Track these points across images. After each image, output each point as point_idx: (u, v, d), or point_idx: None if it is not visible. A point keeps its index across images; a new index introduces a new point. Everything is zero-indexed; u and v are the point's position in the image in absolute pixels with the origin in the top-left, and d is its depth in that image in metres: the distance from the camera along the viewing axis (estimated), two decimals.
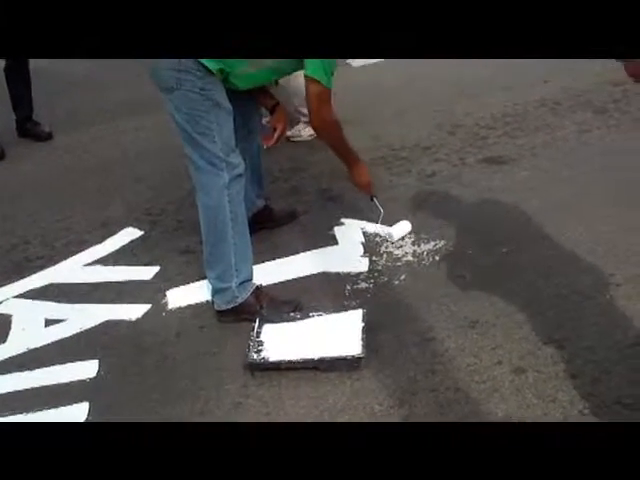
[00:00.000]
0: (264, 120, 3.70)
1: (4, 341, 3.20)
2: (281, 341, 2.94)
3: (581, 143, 4.40)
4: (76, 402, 2.80)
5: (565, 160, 4.21)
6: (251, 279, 3.16)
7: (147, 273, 3.59)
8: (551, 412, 2.50)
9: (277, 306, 3.15)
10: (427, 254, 3.48)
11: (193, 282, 3.46)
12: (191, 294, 3.38)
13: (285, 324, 3.04)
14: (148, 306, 3.33)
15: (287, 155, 4.43)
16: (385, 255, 3.52)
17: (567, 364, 2.71)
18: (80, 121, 5.56)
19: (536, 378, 2.67)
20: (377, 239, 3.65)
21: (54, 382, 2.93)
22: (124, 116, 5.49)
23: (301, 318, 3.06)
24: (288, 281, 3.40)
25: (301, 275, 3.43)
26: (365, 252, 3.56)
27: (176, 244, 3.80)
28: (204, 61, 2.79)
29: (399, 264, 3.44)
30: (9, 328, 3.28)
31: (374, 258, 3.50)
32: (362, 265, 3.46)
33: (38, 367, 3.02)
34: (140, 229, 3.98)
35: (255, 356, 2.87)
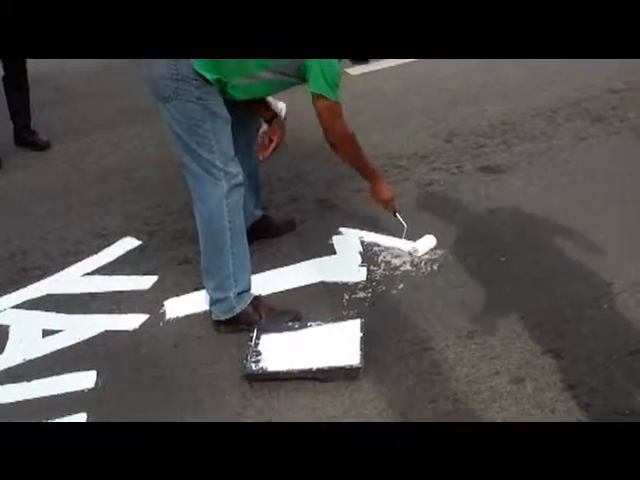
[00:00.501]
0: (260, 131, 3.69)
1: (1, 352, 3.19)
2: (279, 351, 2.93)
3: (579, 151, 4.40)
4: (74, 413, 2.79)
5: (563, 168, 4.21)
6: (249, 289, 3.16)
7: (145, 283, 3.57)
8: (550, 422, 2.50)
9: (275, 316, 3.14)
10: (425, 263, 3.47)
11: (191, 292, 3.45)
12: (189, 304, 3.37)
13: (283, 334, 3.03)
14: (146, 316, 3.33)
15: (285, 164, 4.43)
16: (383, 264, 3.51)
17: (565, 374, 2.71)
18: (78, 130, 5.55)
19: (535, 388, 2.67)
20: (375, 248, 3.64)
21: (52, 393, 2.92)
22: (122, 125, 5.47)
23: (299, 328, 3.06)
24: (286, 291, 3.39)
25: (299, 285, 3.42)
26: (363, 262, 3.55)
27: (174, 254, 3.79)
28: (201, 71, 2.79)
29: (397, 273, 3.43)
30: (6, 339, 3.27)
31: (372, 267, 3.50)
32: (360, 275, 3.45)
33: (36, 378, 3.01)
34: (138, 239, 3.97)
35: (253, 366, 2.86)
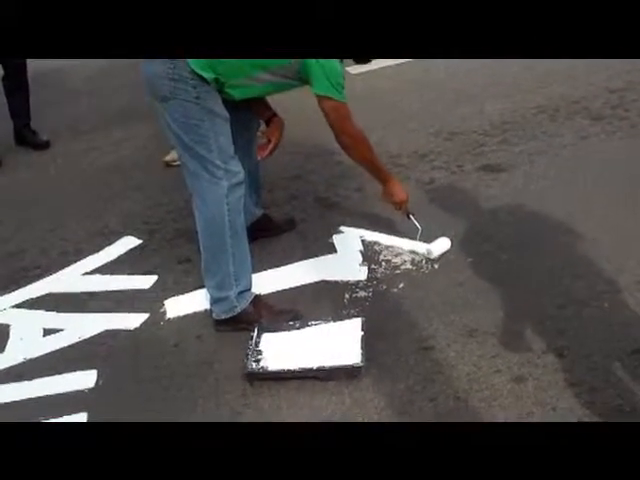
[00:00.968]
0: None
1: (2, 351, 3.20)
2: (280, 350, 2.93)
3: (579, 150, 4.39)
4: (74, 412, 2.79)
5: (564, 167, 4.20)
6: (250, 288, 3.15)
7: (145, 282, 3.58)
8: (551, 420, 2.49)
9: (275, 315, 3.14)
10: (426, 262, 3.47)
11: (191, 291, 3.45)
12: (189, 303, 3.37)
13: (284, 333, 3.03)
14: (146, 315, 3.33)
15: (285, 163, 4.43)
16: (384, 263, 3.51)
17: (567, 372, 2.71)
18: (78, 129, 5.56)
19: (536, 386, 2.66)
20: (376, 247, 3.64)
21: (52, 392, 2.92)
22: (122, 124, 5.48)
23: (300, 327, 3.06)
24: (287, 290, 3.39)
25: (300, 283, 3.42)
26: (364, 260, 3.55)
27: (174, 253, 3.79)
28: (199, 70, 2.78)
29: (398, 272, 3.43)
30: (7, 338, 3.28)
31: (373, 266, 3.49)
32: (361, 273, 3.45)
33: (36, 377, 3.02)
34: (138, 238, 3.97)
35: (254, 365, 2.86)
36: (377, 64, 6.01)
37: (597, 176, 4.03)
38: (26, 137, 5.33)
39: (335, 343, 2.92)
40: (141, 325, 3.28)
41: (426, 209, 3.91)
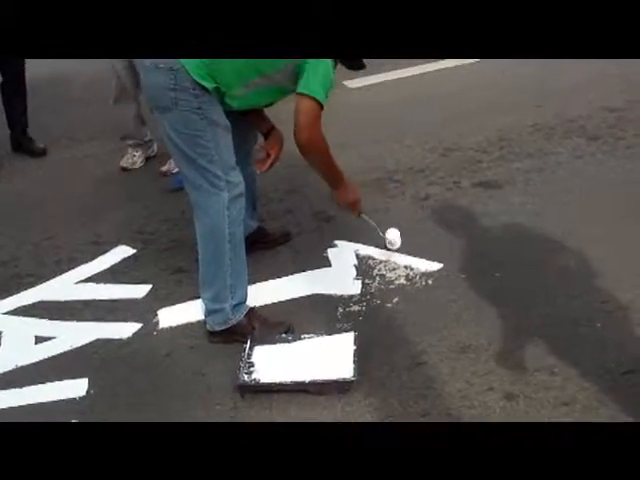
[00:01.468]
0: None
1: None
2: (272, 363, 2.93)
3: (575, 169, 4.40)
4: (64, 421, 2.76)
5: (559, 186, 4.21)
6: (245, 301, 3.15)
7: (139, 292, 3.57)
8: None
9: (269, 327, 3.13)
10: (420, 278, 3.47)
11: (185, 302, 3.44)
12: (182, 314, 3.37)
13: (276, 346, 3.03)
14: (139, 325, 3.32)
15: (282, 176, 4.43)
16: (378, 278, 3.51)
17: (559, 391, 2.70)
18: (75, 138, 5.56)
19: (527, 405, 2.66)
20: (370, 262, 3.64)
21: (43, 400, 2.92)
22: (119, 133, 5.47)
23: (293, 340, 3.05)
24: (280, 302, 3.39)
25: (293, 297, 3.42)
26: (358, 275, 3.55)
27: (168, 263, 3.79)
28: (200, 80, 2.77)
29: (392, 287, 3.43)
30: None
31: (367, 281, 3.49)
32: (355, 288, 3.45)
33: (27, 385, 3.01)
34: (132, 247, 3.97)
35: (246, 377, 2.86)
36: (375, 78, 6.04)
37: (593, 195, 4.04)
38: (23, 144, 5.33)
39: (327, 357, 2.91)
40: (133, 335, 3.27)
41: (421, 225, 3.92)
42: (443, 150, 4.81)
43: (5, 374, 3.09)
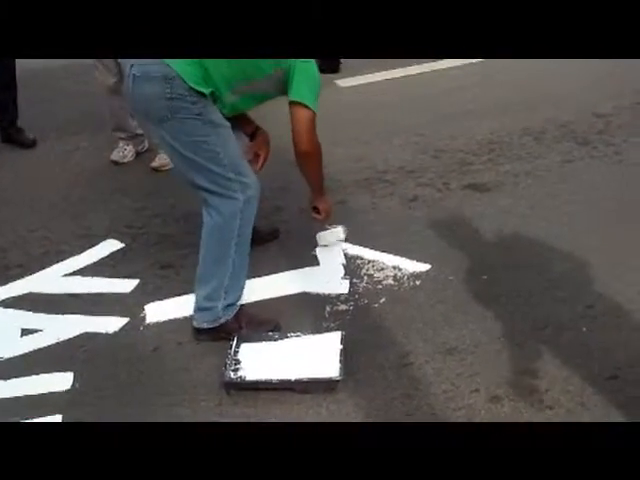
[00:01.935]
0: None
1: None
2: (258, 361, 2.93)
3: (564, 173, 4.43)
4: (49, 414, 2.77)
5: (548, 190, 4.23)
6: (237, 302, 3.12)
7: (126, 286, 3.56)
8: None
9: (255, 325, 3.13)
10: (408, 278, 3.48)
11: (172, 297, 3.44)
12: (170, 309, 3.36)
13: (263, 344, 3.03)
14: (126, 319, 3.31)
15: (271, 174, 4.41)
16: (366, 278, 3.52)
17: (543, 394, 2.72)
18: (66, 130, 5.53)
19: (512, 407, 2.68)
20: (358, 261, 3.65)
21: (28, 393, 2.90)
22: (110, 126, 5.46)
23: (279, 338, 3.05)
24: (267, 300, 3.39)
25: (281, 295, 3.43)
26: (346, 274, 3.55)
27: (157, 258, 3.78)
28: (196, 87, 2.75)
29: (380, 287, 3.44)
30: None
31: (355, 280, 3.50)
32: (342, 287, 3.46)
33: (12, 377, 2.99)
34: (121, 241, 3.96)
35: (232, 375, 2.86)
36: (366, 78, 6.04)
37: (581, 200, 4.06)
38: (12, 135, 5.31)
39: (314, 356, 2.92)
40: (120, 329, 3.26)
41: (409, 226, 3.93)
42: (433, 151, 4.82)
43: None
